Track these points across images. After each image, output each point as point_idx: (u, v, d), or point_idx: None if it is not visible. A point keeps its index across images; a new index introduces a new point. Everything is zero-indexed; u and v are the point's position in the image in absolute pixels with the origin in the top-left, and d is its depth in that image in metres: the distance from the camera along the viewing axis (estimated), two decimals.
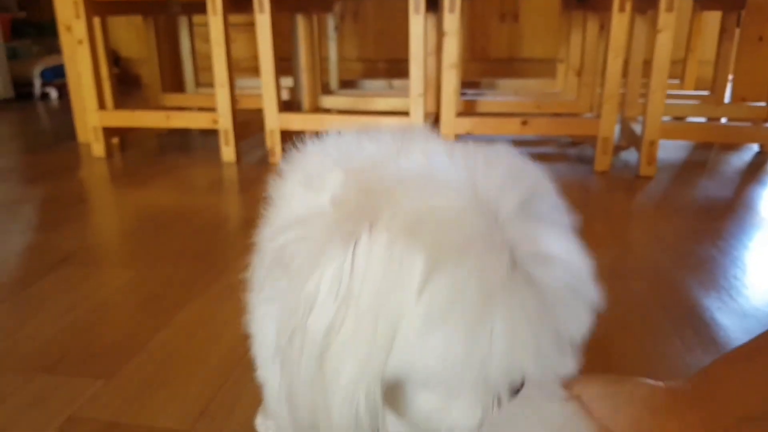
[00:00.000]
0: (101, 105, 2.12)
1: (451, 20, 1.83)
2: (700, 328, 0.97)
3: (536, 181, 0.39)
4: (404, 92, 2.17)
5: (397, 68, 3.33)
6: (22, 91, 3.56)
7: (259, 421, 0.72)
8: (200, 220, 1.50)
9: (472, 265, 0.33)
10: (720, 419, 0.38)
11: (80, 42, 2.03)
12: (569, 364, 0.37)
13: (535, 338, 0.34)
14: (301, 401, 0.36)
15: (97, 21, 2.09)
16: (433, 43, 2.21)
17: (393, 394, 0.37)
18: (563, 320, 0.36)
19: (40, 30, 3.98)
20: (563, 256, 0.37)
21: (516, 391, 0.38)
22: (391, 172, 0.37)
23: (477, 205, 0.35)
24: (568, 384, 0.41)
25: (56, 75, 3.59)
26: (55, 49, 3.90)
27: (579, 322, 0.37)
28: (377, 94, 2.68)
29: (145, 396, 0.80)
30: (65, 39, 2.25)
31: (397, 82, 2.96)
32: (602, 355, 0.88)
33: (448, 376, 0.34)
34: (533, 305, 0.34)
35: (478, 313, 0.32)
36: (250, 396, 0.79)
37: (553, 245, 0.36)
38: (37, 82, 3.58)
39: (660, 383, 0.41)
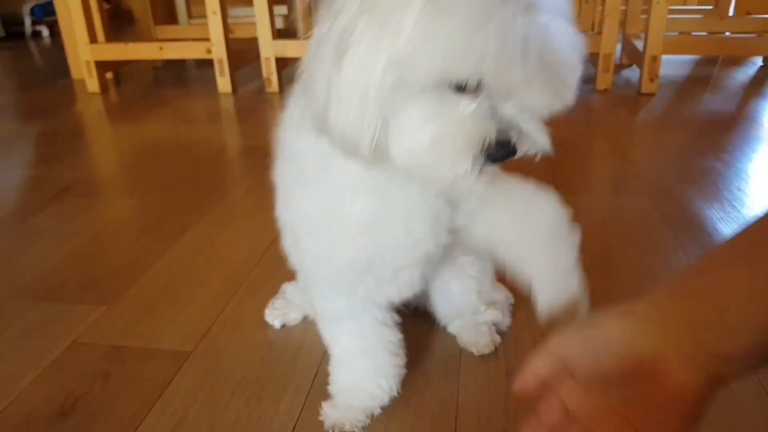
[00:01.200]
0: (92, 39, 2.07)
1: None
2: (703, 238, 0.97)
3: None
4: None
5: None
6: (13, 30, 3.49)
7: (267, 312, 0.78)
8: (198, 150, 1.50)
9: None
10: (701, 331, 0.35)
11: None
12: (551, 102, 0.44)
13: (522, 59, 0.39)
14: (320, 99, 0.43)
15: None
16: None
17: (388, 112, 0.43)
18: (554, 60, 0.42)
19: None
20: (564, 35, 0.42)
21: (499, 155, 0.43)
22: None
23: None
24: (546, 346, 0.41)
25: (47, 13, 3.50)
26: None
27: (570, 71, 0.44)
28: None
29: (147, 320, 0.81)
30: None
31: None
32: (605, 267, 0.89)
33: (446, 70, 0.40)
34: (535, 39, 0.40)
35: (480, 17, 0.38)
36: (252, 317, 0.80)
37: (556, 27, 0.42)
38: (28, 21, 3.50)
39: (628, 309, 0.39)
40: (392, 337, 0.64)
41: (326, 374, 0.67)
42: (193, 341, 0.75)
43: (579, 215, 0.97)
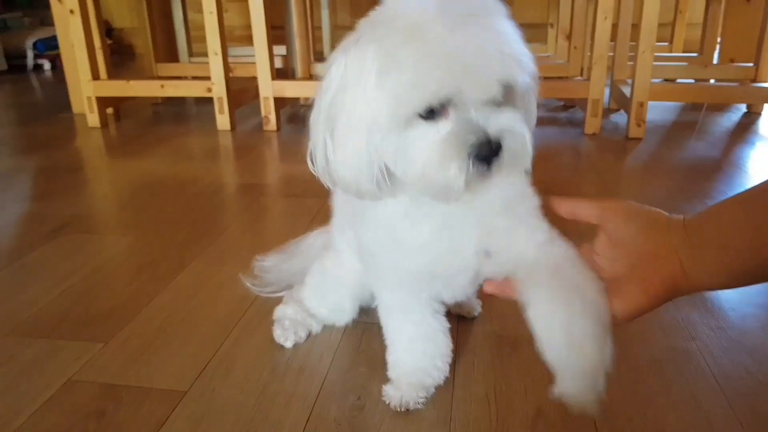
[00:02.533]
0: (95, 75, 2.12)
1: None
2: None
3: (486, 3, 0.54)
4: None
5: None
6: (15, 63, 3.55)
7: (278, 333, 0.85)
8: (196, 188, 1.52)
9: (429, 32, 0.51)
10: (693, 241, 0.51)
11: (72, 12, 2.03)
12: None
13: (465, 68, 0.50)
14: (321, 160, 0.57)
15: None
16: None
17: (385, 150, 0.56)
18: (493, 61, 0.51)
19: (32, 2, 3.94)
20: (495, 35, 0.52)
21: (485, 156, 0.52)
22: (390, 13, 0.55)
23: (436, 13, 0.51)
24: (599, 203, 0.57)
25: (49, 47, 3.57)
26: (47, 20, 3.86)
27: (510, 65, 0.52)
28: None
29: (143, 358, 0.82)
30: (57, 10, 2.24)
31: None
32: None
33: (409, 108, 0.52)
34: (463, 48, 0.50)
35: (418, 58, 0.51)
36: (246, 358, 0.82)
37: (485, 32, 0.52)
38: (30, 54, 3.57)
39: (668, 214, 0.54)
40: (445, 323, 0.75)
41: (319, 419, 0.69)
42: (188, 381, 0.77)
43: None
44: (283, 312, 0.87)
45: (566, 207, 0.60)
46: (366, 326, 0.88)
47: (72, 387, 0.76)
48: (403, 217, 0.63)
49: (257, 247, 1.16)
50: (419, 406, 0.71)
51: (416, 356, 0.73)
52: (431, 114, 0.52)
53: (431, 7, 0.52)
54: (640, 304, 0.53)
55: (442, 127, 0.53)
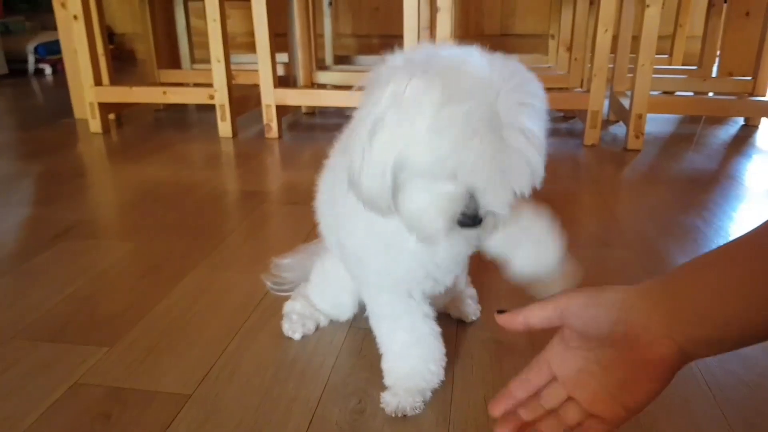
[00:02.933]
0: (97, 81, 2.14)
1: None
2: None
3: (530, 78, 0.59)
4: None
5: (392, 43, 3.33)
6: (16, 67, 3.57)
7: (286, 326, 0.89)
8: (198, 194, 1.54)
9: (470, 108, 0.54)
10: (681, 317, 0.45)
11: (75, 18, 2.05)
12: (507, 197, 0.58)
13: (490, 169, 0.55)
14: (355, 165, 0.59)
15: None
16: (427, 19, 2.23)
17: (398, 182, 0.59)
18: (513, 170, 0.56)
19: (33, 6, 3.96)
20: (531, 130, 0.56)
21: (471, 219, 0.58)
22: (435, 55, 0.59)
23: (486, 79, 0.55)
24: (553, 298, 0.52)
25: (50, 51, 3.59)
26: (48, 25, 3.89)
27: (524, 178, 0.57)
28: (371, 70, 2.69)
29: (147, 362, 0.83)
30: (60, 15, 2.26)
31: None
32: None
33: (434, 168, 0.56)
34: (497, 149, 0.55)
35: (462, 138, 0.54)
36: (249, 361, 0.83)
37: (527, 122, 0.56)
38: (31, 58, 3.58)
39: (632, 287, 0.48)
40: (436, 327, 0.78)
41: (321, 422, 0.71)
42: (192, 385, 0.78)
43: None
44: (291, 307, 0.92)
45: (517, 320, 0.53)
46: (367, 332, 0.90)
47: (78, 390, 0.77)
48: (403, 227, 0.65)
49: (259, 253, 1.17)
50: (416, 412, 0.72)
51: (410, 361, 0.75)
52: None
53: (496, 82, 0.55)
54: (652, 391, 0.48)
55: (448, 187, 0.58)
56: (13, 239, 1.26)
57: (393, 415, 0.72)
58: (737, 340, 0.44)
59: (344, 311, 0.90)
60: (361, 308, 0.85)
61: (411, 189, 0.59)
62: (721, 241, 1.23)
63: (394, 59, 0.61)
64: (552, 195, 1.50)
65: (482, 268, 1.09)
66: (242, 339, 0.88)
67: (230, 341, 0.88)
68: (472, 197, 0.58)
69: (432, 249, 0.69)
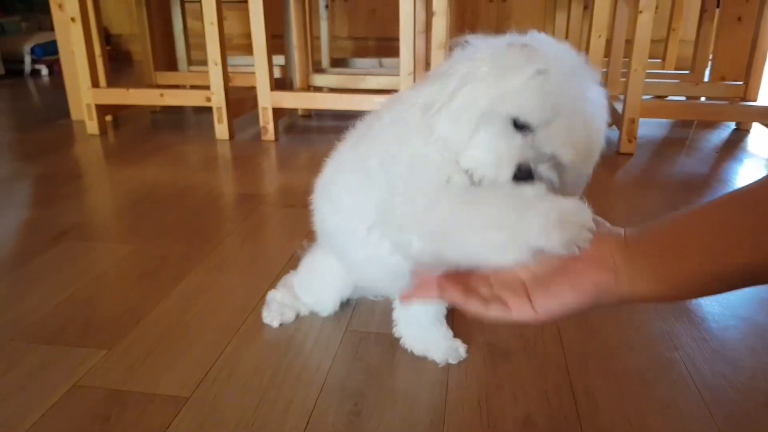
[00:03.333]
0: (95, 83, 2.15)
1: (440, 0, 1.87)
2: None
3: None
4: (394, 71, 2.21)
5: (388, 46, 3.36)
6: (12, 67, 3.57)
7: (265, 314, 0.94)
8: (195, 196, 1.55)
9: (553, 79, 0.60)
10: (668, 268, 0.48)
11: (73, 20, 2.06)
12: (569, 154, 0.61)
13: (566, 131, 0.60)
14: (434, 111, 0.64)
15: None
16: (423, 23, 2.25)
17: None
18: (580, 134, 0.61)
19: (30, 6, 3.96)
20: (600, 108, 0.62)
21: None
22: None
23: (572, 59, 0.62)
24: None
25: (47, 52, 3.59)
26: (45, 25, 3.89)
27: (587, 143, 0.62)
28: (367, 73, 2.71)
29: (146, 365, 0.84)
30: (57, 16, 2.26)
31: (387, 61, 2.99)
32: (578, 321, 0.95)
33: (516, 113, 0.60)
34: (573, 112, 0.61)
35: (552, 97, 0.59)
36: (247, 364, 0.85)
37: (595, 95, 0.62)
38: (28, 59, 3.58)
39: (622, 231, 0.54)
40: None
41: (317, 424, 0.72)
42: (191, 387, 0.79)
43: None
44: (272, 296, 0.97)
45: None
46: (363, 335, 0.91)
47: (77, 392, 0.78)
48: None
49: (256, 256, 1.19)
50: None
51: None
52: (518, 128, 0.61)
53: (562, 54, 0.62)
54: (566, 301, 0.52)
55: (518, 139, 0.62)
56: (11, 241, 1.27)
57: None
58: (684, 280, 0.48)
59: (326, 307, 0.94)
60: (349, 307, 0.87)
61: (482, 135, 0.62)
62: None
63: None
64: None
65: None
66: (240, 341, 0.90)
67: (228, 343, 0.89)
68: (538, 152, 0.61)
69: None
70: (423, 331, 0.86)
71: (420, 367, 0.84)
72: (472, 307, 0.55)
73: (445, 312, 0.88)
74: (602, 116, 0.63)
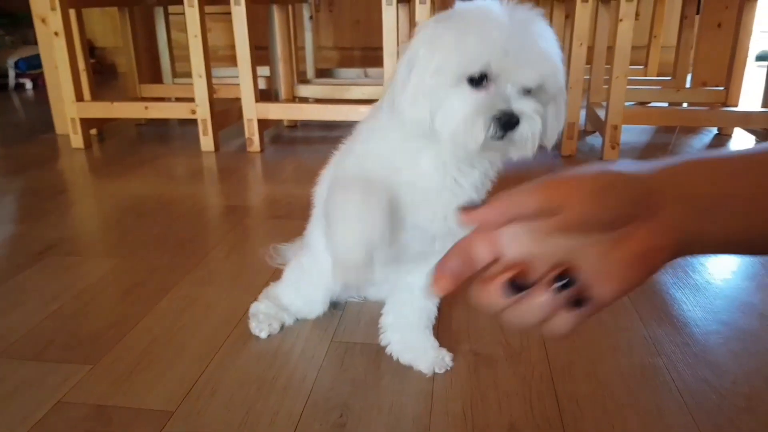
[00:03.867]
0: (79, 97, 2.14)
1: (423, 10, 1.88)
2: (656, 302, 1.04)
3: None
4: (379, 80, 2.22)
5: (373, 56, 3.37)
6: None
7: (254, 325, 0.95)
8: (180, 209, 1.55)
9: (489, 28, 0.64)
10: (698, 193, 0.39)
11: (56, 34, 2.05)
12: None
13: (513, 52, 0.63)
14: (398, 103, 0.69)
15: (72, 12, 2.11)
16: (406, 33, 2.27)
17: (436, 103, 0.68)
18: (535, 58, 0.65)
19: (14, 20, 3.94)
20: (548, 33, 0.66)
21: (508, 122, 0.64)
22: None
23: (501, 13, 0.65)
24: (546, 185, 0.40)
25: (31, 66, 3.57)
26: (29, 39, 3.87)
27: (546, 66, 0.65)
28: (353, 83, 2.73)
29: (131, 380, 0.84)
30: (41, 30, 2.26)
31: (372, 71, 3.00)
32: None
33: (462, 69, 0.64)
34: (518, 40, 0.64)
35: (483, 34, 0.64)
36: (231, 378, 0.84)
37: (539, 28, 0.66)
38: (12, 73, 3.56)
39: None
40: None
41: None
42: (176, 401, 0.79)
43: None
44: (257, 308, 0.97)
45: (492, 213, 0.39)
46: (348, 346, 0.92)
47: (62, 408, 0.78)
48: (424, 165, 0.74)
49: (241, 269, 1.19)
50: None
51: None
52: (476, 83, 0.65)
53: (496, 6, 0.66)
54: (649, 243, 0.38)
55: (481, 94, 0.65)
56: None
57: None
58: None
59: (315, 308, 0.97)
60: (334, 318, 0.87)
61: (449, 101, 0.66)
62: None
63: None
64: None
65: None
66: (224, 355, 0.89)
67: (213, 357, 0.89)
68: (505, 96, 0.64)
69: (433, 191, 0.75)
70: (411, 339, 0.87)
71: (405, 378, 0.84)
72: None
73: (434, 320, 0.89)
74: (551, 38, 0.66)
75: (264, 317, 0.96)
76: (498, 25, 0.64)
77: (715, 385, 0.81)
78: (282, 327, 0.96)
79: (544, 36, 0.66)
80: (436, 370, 0.85)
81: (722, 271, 1.17)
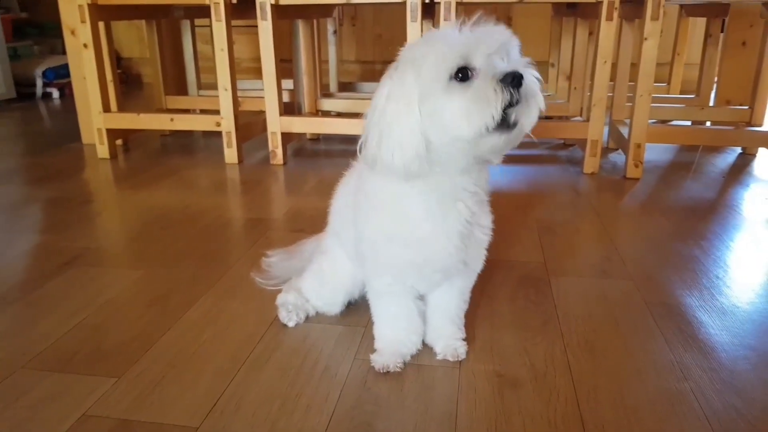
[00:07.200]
0: (106, 107, 2.17)
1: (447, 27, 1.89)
2: (682, 325, 1.03)
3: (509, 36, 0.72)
4: None
5: None
6: (24, 91, 3.61)
7: (283, 314, 1.03)
8: (204, 221, 1.56)
9: (450, 33, 0.72)
10: None
11: (85, 46, 2.09)
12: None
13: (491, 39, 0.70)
14: (373, 149, 0.74)
15: (101, 24, 2.15)
16: None
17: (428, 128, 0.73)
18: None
19: (42, 31, 4.02)
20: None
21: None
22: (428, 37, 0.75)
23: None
24: None
25: (58, 75, 3.64)
26: (56, 49, 3.95)
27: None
28: None
29: (155, 394, 0.85)
30: (70, 42, 2.30)
31: None
32: (587, 350, 0.95)
33: (444, 68, 0.70)
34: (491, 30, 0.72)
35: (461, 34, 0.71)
36: (255, 394, 0.85)
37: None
38: (39, 83, 3.63)
39: None
40: (422, 307, 0.94)
41: None
42: (200, 417, 0.79)
43: (568, 298, 1.07)
44: (285, 298, 1.06)
45: None
46: (370, 364, 0.92)
47: (86, 422, 0.79)
48: (419, 214, 0.80)
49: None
50: (398, 369, 0.89)
51: (397, 332, 0.92)
52: (462, 79, 0.69)
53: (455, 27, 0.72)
54: None
55: (474, 81, 0.69)
56: (21, 267, 1.28)
57: (379, 372, 0.88)
58: None
59: (334, 308, 1.05)
60: (357, 335, 0.87)
61: (448, 104, 0.70)
62: (720, 272, 1.25)
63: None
64: (553, 224, 1.52)
65: (487, 296, 1.10)
66: (248, 370, 0.90)
67: (236, 373, 0.89)
68: (498, 65, 0.69)
69: (434, 242, 0.81)
70: (438, 323, 0.95)
71: (429, 398, 0.84)
72: None
73: (463, 313, 0.97)
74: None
75: (293, 307, 1.04)
76: (462, 30, 0.70)
77: (744, 414, 0.80)
78: (307, 317, 1.05)
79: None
80: (448, 357, 0.92)
81: (748, 294, 1.15)
